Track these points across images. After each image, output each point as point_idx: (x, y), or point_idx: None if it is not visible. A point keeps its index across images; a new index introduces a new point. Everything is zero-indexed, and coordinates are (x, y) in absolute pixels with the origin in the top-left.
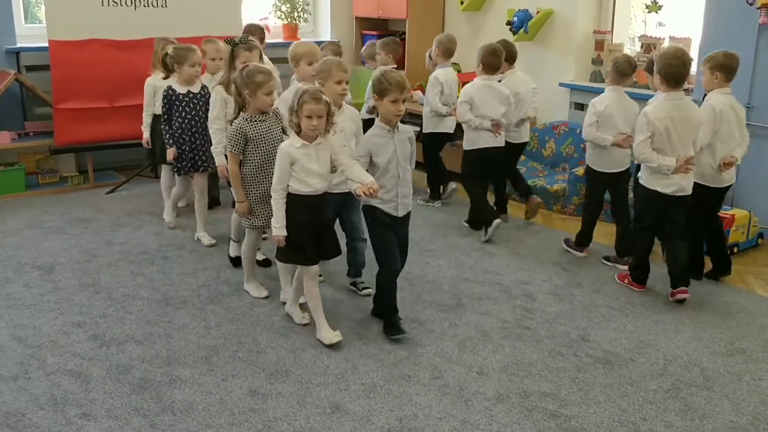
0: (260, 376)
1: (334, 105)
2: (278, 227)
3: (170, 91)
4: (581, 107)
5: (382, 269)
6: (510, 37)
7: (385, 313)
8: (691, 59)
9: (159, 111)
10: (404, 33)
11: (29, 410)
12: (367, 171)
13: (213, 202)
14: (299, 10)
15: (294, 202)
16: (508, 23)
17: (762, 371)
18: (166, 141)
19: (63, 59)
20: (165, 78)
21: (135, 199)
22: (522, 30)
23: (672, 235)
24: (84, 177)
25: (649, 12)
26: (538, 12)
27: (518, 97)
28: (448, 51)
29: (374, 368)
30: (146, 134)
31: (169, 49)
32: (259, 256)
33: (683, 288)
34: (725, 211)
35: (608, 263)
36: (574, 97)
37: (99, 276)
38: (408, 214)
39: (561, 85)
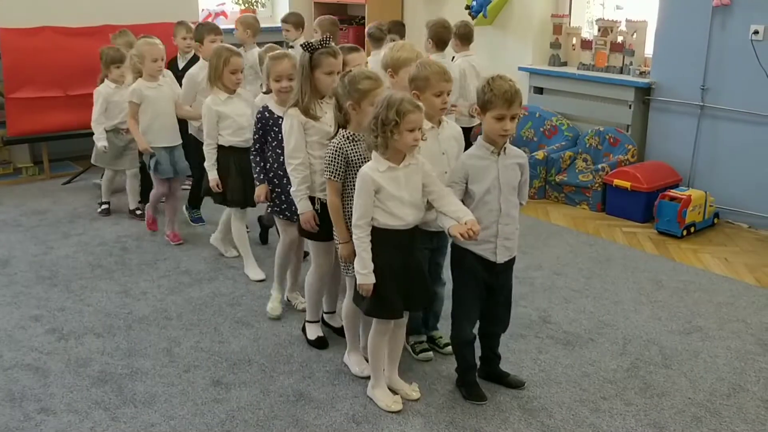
0: (223, 366)
1: (432, 121)
2: (364, 273)
3: (266, 113)
4: (540, 91)
5: (453, 332)
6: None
7: (462, 371)
8: (452, 28)
9: (223, 141)
10: (363, 18)
11: None
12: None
13: None
14: None
15: (380, 239)
16: (467, 7)
17: (718, 348)
18: (256, 176)
19: (14, 47)
20: (266, 92)
21: (92, 190)
22: (481, 14)
23: None
24: (39, 168)
25: None
26: None
27: None
28: (256, 30)
29: (338, 355)
30: (214, 173)
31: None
32: (336, 322)
33: None
34: (681, 192)
35: None
36: (533, 81)
37: (56, 268)
38: (511, 262)
39: (520, 69)
